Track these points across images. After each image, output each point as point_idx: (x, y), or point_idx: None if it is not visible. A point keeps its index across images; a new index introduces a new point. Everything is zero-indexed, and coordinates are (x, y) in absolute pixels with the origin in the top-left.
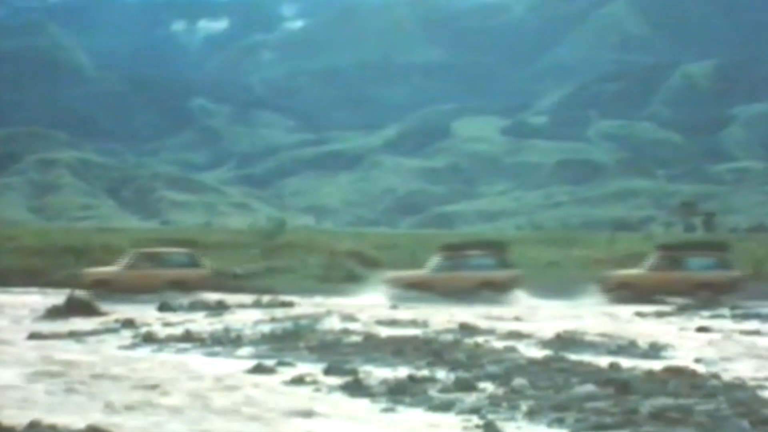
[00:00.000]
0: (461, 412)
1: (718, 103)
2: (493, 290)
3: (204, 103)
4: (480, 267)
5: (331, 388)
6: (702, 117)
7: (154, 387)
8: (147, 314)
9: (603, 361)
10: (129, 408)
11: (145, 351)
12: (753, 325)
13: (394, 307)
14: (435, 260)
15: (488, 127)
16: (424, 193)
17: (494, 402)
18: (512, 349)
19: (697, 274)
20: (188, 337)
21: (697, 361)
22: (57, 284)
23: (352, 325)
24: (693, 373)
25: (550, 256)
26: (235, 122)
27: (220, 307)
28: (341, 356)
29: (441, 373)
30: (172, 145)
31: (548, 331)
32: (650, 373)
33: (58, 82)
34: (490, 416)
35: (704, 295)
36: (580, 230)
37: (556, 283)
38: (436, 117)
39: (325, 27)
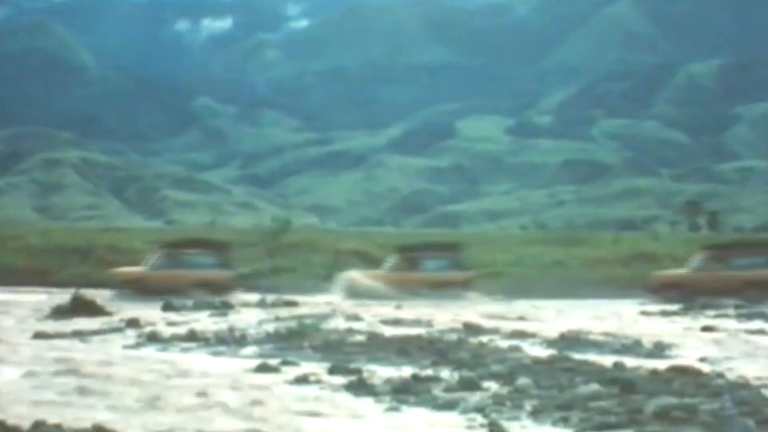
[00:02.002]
0: (465, 411)
1: (723, 103)
2: (210, 291)
3: (209, 103)
4: (198, 266)
5: (335, 388)
6: (707, 116)
7: (158, 386)
8: (151, 314)
9: (607, 360)
10: (134, 407)
11: (149, 350)
12: (758, 324)
13: (398, 306)
14: (153, 258)
15: (493, 127)
16: (429, 193)
17: (498, 401)
18: (516, 349)
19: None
20: (193, 336)
21: (702, 360)
22: (62, 284)
23: (356, 325)
24: (698, 373)
25: (555, 256)
26: (240, 122)
27: (224, 307)
28: (345, 355)
29: (445, 373)
30: (177, 145)
31: (552, 331)
32: (655, 373)
33: (62, 82)
34: (494, 415)
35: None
36: (585, 230)
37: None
38: (441, 117)
39: (330, 27)
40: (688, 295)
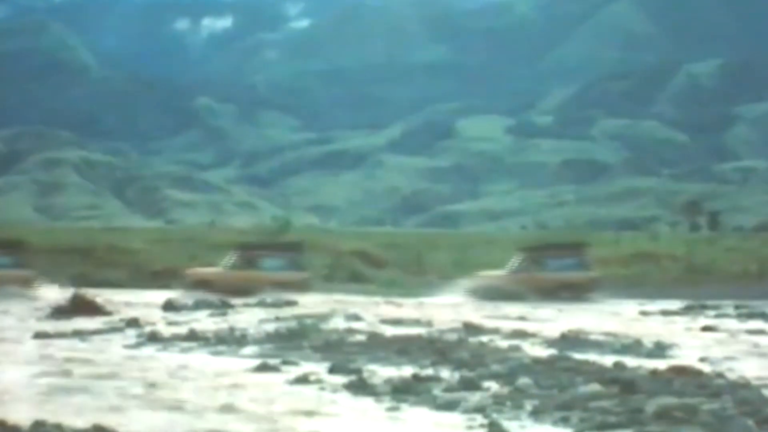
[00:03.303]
0: (466, 411)
1: (723, 102)
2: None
3: (209, 103)
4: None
5: (336, 388)
6: (707, 116)
7: (158, 386)
8: (152, 313)
9: (608, 360)
10: (134, 407)
11: (149, 350)
12: (758, 324)
13: (398, 306)
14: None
15: (493, 127)
16: (429, 193)
17: (499, 401)
18: (517, 348)
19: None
20: (193, 336)
21: (702, 360)
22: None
23: (356, 324)
24: (698, 373)
25: None
26: (240, 122)
27: (224, 306)
28: (345, 355)
29: (445, 372)
30: (177, 145)
31: (553, 330)
32: (655, 373)
33: (62, 82)
34: (495, 415)
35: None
36: (585, 230)
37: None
38: (441, 116)
39: (330, 26)
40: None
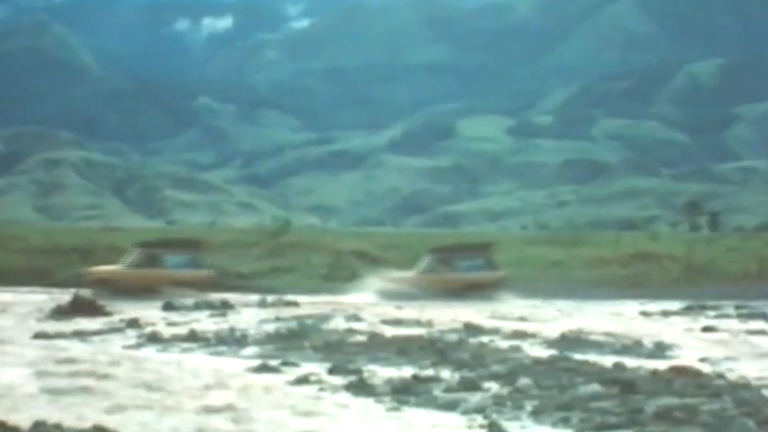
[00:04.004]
0: (466, 411)
1: (723, 102)
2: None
3: (209, 103)
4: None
5: (336, 388)
6: (707, 116)
7: (158, 386)
8: (152, 314)
9: (608, 360)
10: (133, 407)
11: (150, 350)
12: (758, 324)
13: (399, 306)
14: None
15: (493, 127)
16: (429, 193)
17: (499, 402)
18: (517, 349)
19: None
20: (193, 336)
21: (703, 360)
22: (62, 284)
23: (356, 325)
24: (698, 373)
25: (555, 256)
26: (240, 122)
27: (224, 307)
28: (346, 356)
29: (445, 373)
30: (177, 145)
31: (553, 331)
32: (655, 373)
33: (63, 82)
34: (495, 416)
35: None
36: (586, 230)
37: None
38: (441, 117)
39: (330, 27)
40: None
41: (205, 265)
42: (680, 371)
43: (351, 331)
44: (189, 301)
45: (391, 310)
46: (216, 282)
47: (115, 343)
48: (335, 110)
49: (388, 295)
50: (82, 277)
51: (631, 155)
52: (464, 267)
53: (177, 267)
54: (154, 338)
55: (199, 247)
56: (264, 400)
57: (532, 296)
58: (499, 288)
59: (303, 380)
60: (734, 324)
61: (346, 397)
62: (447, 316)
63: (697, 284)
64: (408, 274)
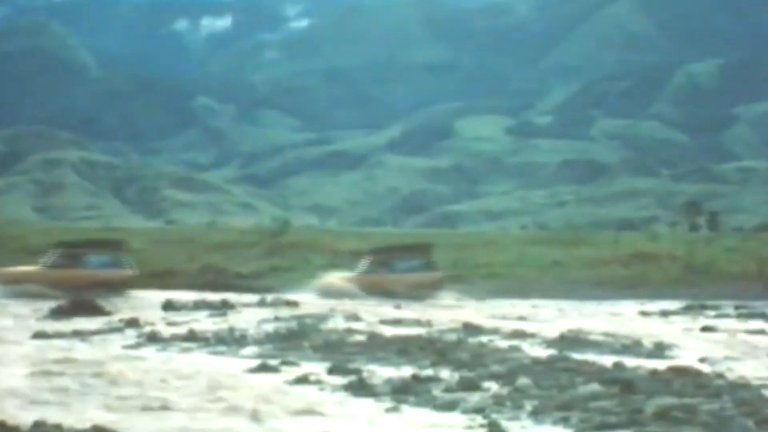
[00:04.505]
0: (465, 411)
1: (723, 103)
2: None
3: (208, 103)
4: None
5: (335, 388)
6: (706, 116)
7: (158, 386)
8: (151, 314)
9: (607, 360)
10: (133, 407)
11: (149, 350)
12: (758, 324)
13: (398, 306)
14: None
15: (492, 127)
16: (429, 193)
17: (498, 401)
18: (516, 349)
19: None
20: (192, 336)
21: (702, 360)
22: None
23: (356, 325)
24: (697, 373)
25: (555, 256)
26: (240, 122)
27: (224, 307)
28: (345, 356)
29: (445, 373)
30: (177, 145)
31: (553, 331)
32: (655, 373)
33: (62, 82)
34: (495, 415)
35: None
36: (585, 230)
37: None
38: (441, 116)
39: (330, 27)
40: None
41: (128, 265)
42: (680, 371)
43: (350, 331)
44: (189, 301)
45: (390, 310)
46: (137, 280)
47: (115, 343)
48: (335, 110)
49: (328, 295)
50: None
51: (630, 155)
52: (403, 268)
53: (99, 267)
54: (153, 338)
55: (121, 248)
56: (263, 400)
57: (470, 296)
58: (438, 289)
59: (302, 380)
60: (733, 324)
61: (345, 396)
62: (446, 316)
63: (696, 284)
64: (349, 274)
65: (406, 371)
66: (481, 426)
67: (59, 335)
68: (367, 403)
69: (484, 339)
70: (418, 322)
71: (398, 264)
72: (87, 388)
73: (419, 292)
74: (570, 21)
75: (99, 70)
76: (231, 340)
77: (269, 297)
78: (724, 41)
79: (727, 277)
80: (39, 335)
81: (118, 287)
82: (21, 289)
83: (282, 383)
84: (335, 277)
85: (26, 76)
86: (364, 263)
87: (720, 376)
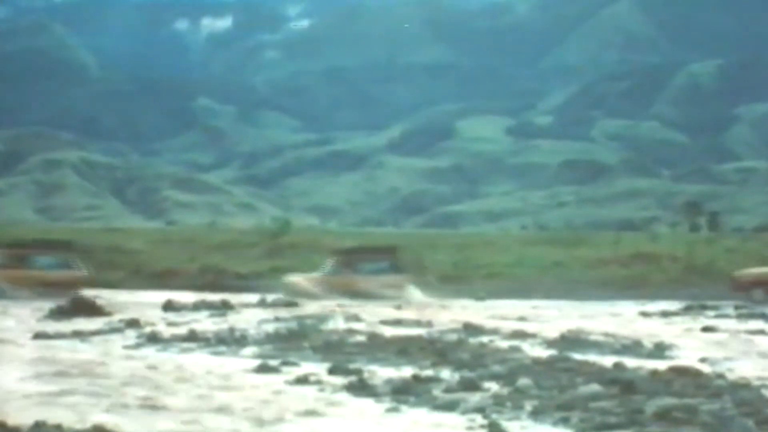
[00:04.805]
0: (466, 411)
1: (723, 103)
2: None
3: (208, 103)
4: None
5: (336, 388)
6: (707, 117)
7: (158, 387)
8: (151, 314)
9: (607, 360)
10: (133, 407)
11: (149, 351)
12: (758, 324)
13: (398, 307)
14: None
15: (493, 127)
16: (429, 193)
17: (499, 402)
18: (517, 349)
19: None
20: (193, 336)
21: (702, 360)
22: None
23: (356, 325)
24: (698, 373)
25: (555, 257)
26: (240, 122)
27: (224, 307)
28: (345, 356)
29: (445, 373)
30: (177, 145)
31: (553, 331)
32: (655, 373)
33: (62, 83)
34: (495, 416)
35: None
36: (585, 230)
37: None
38: (441, 117)
39: (330, 27)
40: None
41: (76, 266)
42: (680, 371)
43: (351, 332)
44: (189, 302)
45: (390, 311)
46: (94, 281)
47: (115, 343)
48: (335, 111)
49: (293, 296)
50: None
51: (630, 156)
52: (368, 270)
53: (47, 268)
54: (153, 338)
55: (69, 248)
56: (263, 400)
57: (439, 296)
58: (403, 291)
59: (303, 380)
60: (734, 324)
61: (345, 397)
62: (446, 316)
63: (696, 285)
64: (314, 275)
65: (407, 371)
66: (482, 426)
67: (60, 336)
68: (368, 403)
69: (484, 339)
70: (418, 323)
71: (364, 266)
72: (87, 388)
73: (383, 294)
74: (570, 21)
75: (99, 71)
76: (231, 341)
77: (269, 297)
78: (724, 41)
79: (728, 278)
80: (40, 336)
81: (68, 289)
82: None
83: (282, 383)
84: (299, 278)
85: (26, 77)
86: (328, 264)
87: (720, 376)
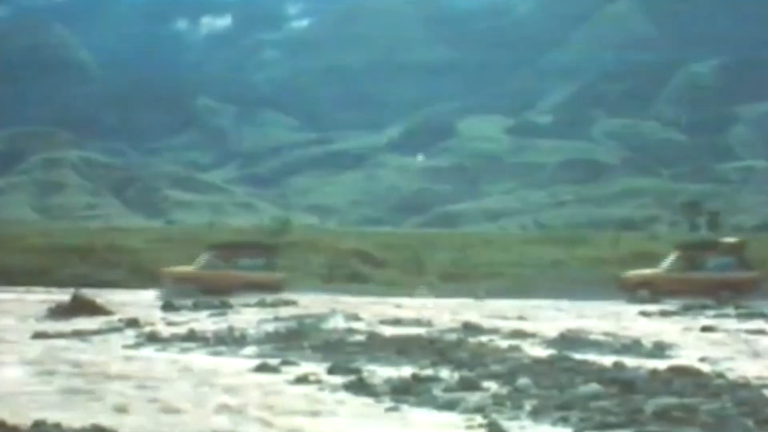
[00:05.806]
0: (465, 411)
1: (724, 102)
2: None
3: (208, 102)
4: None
5: (335, 388)
6: (707, 116)
7: (157, 386)
8: (151, 314)
9: (607, 360)
10: (133, 407)
11: (149, 350)
12: (758, 324)
13: (398, 305)
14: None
15: (493, 127)
16: (429, 193)
17: (498, 401)
18: (516, 348)
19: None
20: (192, 336)
21: (702, 360)
22: (62, 283)
23: (356, 324)
24: (698, 373)
25: (555, 256)
26: (240, 121)
27: (224, 306)
28: (345, 355)
29: (445, 373)
30: (177, 145)
31: (552, 330)
32: (655, 373)
33: (62, 82)
34: (494, 415)
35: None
36: (585, 229)
37: None
38: (441, 116)
39: (330, 26)
40: None
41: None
42: (680, 371)
43: (350, 331)
44: (188, 301)
45: (390, 310)
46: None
47: (115, 343)
48: (335, 110)
49: (169, 292)
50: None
51: (630, 155)
52: (244, 266)
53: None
54: (153, 338)
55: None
56: (263, 400)
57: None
58: (278, 290)
59: (302, 380)
60: (733, 323)
61: (345, 396)
62: (446, 315)
63: None
64: (188, 268)
65: (406, 371)
66: (481, 425)
67: (59, 335)
68: (367, 402)
69: (483, 339)
70: (418, 322)
71: (239, 261)
72: (87, 387)
73: (259, 291)
74: (570, 20)
75: (99, 70)
76: (231, 340)
77: (269, 297)
78: (724, 41)
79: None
80: (39, 335)
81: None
82: None
83: (282, 383)
84: (175, 271)
85: (26, 76)
86: (204, 258)
87: (720, 375)
